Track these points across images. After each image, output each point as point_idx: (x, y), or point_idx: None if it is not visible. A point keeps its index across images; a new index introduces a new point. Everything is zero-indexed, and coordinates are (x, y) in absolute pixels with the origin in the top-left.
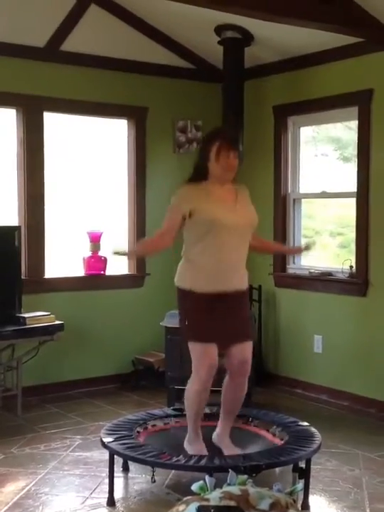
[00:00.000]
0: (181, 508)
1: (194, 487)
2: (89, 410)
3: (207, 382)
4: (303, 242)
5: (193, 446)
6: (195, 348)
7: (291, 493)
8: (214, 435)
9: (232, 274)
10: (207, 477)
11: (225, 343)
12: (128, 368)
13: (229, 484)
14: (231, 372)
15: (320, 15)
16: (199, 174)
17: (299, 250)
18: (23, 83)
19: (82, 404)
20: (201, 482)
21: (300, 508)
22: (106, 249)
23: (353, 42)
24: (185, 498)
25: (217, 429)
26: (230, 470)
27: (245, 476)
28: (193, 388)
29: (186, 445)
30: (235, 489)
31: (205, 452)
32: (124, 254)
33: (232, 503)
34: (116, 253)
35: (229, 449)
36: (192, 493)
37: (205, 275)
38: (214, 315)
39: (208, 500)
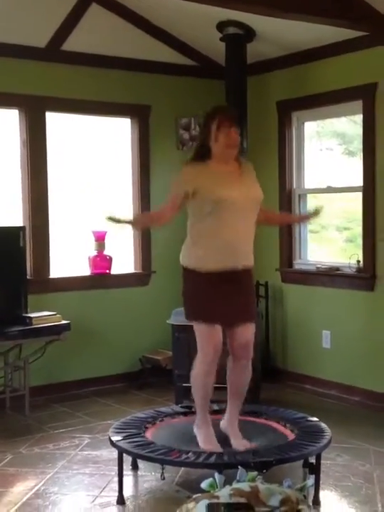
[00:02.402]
0: (191, 505)
1: (203, 485)
2: (98, 409)
3: (212, 364)
4: (309, 209)
5: (201, 430)
6: (200, 329)
7: (301, 489)
8: (222, 422)
9: (238, 251)
10: (216, 474)
11: (229, 323)
12: (136, 366)
13: (238, 481)
14: (234, 354)
15: (322, 9)
16: (202, 154)
17: (306, 217)
18: (25, 84)
19: (90, 404)
20: (211, 479)
21: (311, 504)
22: (111, 247)
23: (357, 36)
24: (194, 496)
25: (225, 416)
26: (239, 467)
27: (255, 473)
28: (199, 370)
29: (195, 429)
30: (244, 486)
31: (212, 438)
32: (119, 221)
33: (242, 500)
34: (111, 219)
35: (236, 437)
36: (201, 491)
37: (210, 253)
38: (219, 294)
39: (217, 497)
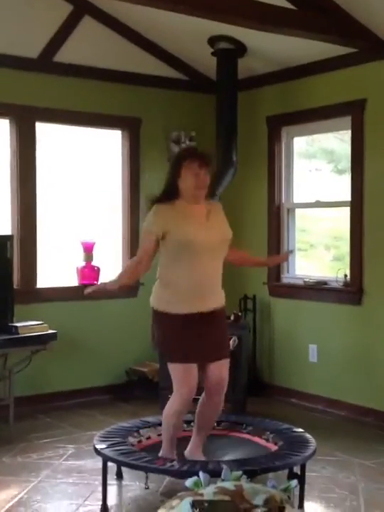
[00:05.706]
0: (175, 502)
1: (188, 483)
2: (82, 420)
3: (187, 403)
4: (283, 251)
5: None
6: (175, 369)
7: (285, 490)
8: (186, 451)
9: (207, 294)
10: (201, 473)
11: (203, 361)
12: (122, 378)
13: (223, 480)
14: (208, 390)
15: (313, 26)
16: (170, 193)
17: (278, 259)
18: (16, 93)
19: (75, 415)
20: (195, 478)
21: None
22: (99, 258)
23: (346, 52)
24: (179, 493)
25: (190, 445)
26: (224, 466)
27: (240, 472)
28: (173, 409)
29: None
30: (229, 485)
31: None
32: (98, 290)
33: (226, 498)
34: (89, 292)
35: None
36: (186, 489)
37: (180, 296)
38: (191, 334)
39: (201, 495)
